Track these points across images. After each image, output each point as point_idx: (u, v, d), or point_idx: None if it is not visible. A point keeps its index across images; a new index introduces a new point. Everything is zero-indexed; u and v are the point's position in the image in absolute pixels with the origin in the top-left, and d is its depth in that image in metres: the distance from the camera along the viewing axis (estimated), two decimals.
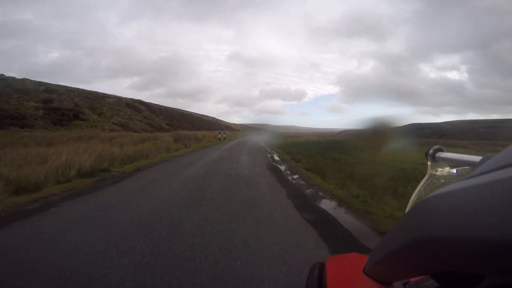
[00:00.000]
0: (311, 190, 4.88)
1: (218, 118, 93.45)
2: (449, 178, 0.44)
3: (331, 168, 6.92)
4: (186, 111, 64.73)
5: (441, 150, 0.46)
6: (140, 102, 48.05)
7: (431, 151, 0.46)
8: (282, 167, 7.85)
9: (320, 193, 4.65)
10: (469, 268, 0.19)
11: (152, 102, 53.57)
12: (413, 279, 0.38)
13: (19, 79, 31.85)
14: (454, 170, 0.44)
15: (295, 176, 6.32)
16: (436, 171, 0.46)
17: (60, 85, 35.41)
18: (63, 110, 24.50)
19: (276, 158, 10.67)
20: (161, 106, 53.87)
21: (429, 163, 0.47)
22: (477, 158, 0.33)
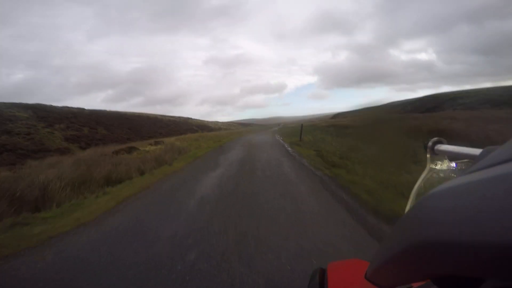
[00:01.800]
0: None
1: (193, 117, 71.49)
2: (449, 173, 0.43)
3: None
4: (135, 113, 43.25)
5: (441, 142, 0.44)
6: (27, 106, 26.48)
7: (430, 143, 0.44)
8: None
9: None
10: (472, 272, 0.18)
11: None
12: (415, 285, 0.37)
13: None
14: (454, 164, 0.42)
15: None
16: (436, 164, 0.44)
17: None
18: None
19: None
20: (79, 108, 32.35)
21: (428, 156, 0.45)
22: (477, 151, 0.33)
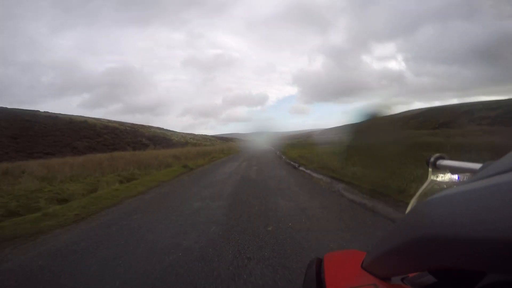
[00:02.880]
0: None
1: (167, 128, 56.35)
2: (450, 184, 0.45)
3: None
4: (52, 114, 30.00)
5: (442, 158, 0.46)
6: None
7: (432, 159, 0.46)
8: None
9: None
10: (468, 266, 0.19)
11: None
12: (411, 274, 0.39)
13: None
14: (455, 176, 0.44)
15: None
16: (437, 176, 0.46)
17: None
18: None
19: None
20: None
21: (430, 169, 0.47)
22: (478, 165, 0.35)
